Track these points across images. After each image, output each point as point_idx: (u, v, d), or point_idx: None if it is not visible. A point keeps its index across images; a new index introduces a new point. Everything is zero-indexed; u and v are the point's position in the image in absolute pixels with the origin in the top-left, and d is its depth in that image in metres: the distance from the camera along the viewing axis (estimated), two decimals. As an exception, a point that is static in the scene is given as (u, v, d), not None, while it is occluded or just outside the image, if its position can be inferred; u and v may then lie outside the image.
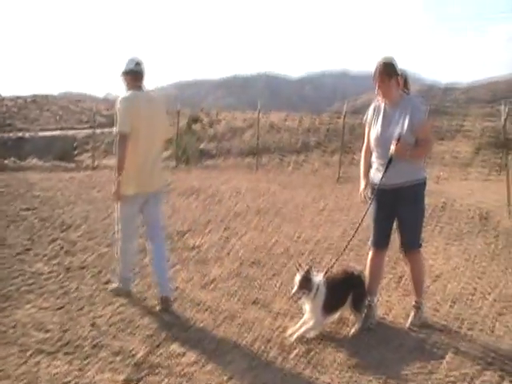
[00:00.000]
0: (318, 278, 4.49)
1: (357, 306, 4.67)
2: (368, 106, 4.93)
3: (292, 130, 34.01)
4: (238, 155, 24.48)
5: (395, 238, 4.85)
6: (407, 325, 4.82)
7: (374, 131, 4.72)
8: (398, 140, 4.44)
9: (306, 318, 4.50)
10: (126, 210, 5.04)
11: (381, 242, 4.88)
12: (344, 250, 5.01)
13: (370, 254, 4.98)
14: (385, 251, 4.97)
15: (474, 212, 9.92)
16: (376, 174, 4.73)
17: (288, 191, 12.40)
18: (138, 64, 5.02)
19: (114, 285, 5.48)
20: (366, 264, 5.01)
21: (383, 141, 4.61)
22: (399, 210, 4.68)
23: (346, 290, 4.63)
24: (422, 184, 4.65)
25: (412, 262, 4.86)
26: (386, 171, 4.56)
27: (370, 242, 4.96)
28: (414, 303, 4.93)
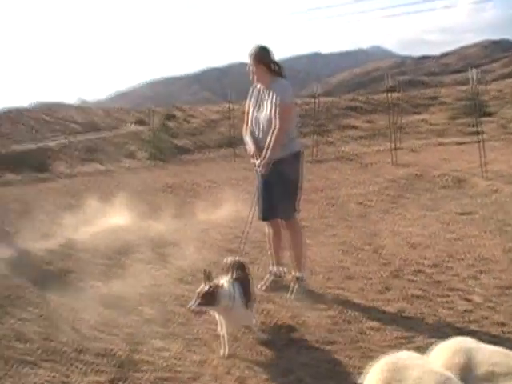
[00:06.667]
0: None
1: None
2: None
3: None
4: (214, 148, 24.36)
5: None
6: (288, 296, 4.91)
7: (250, 113, 4.99)
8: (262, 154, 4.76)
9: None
10: None
11: (264, 215, 5.04)
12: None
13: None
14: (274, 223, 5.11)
15: (449, 178, 10.01)
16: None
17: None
18: None
19: None
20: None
21: (256, 122, 4.90)
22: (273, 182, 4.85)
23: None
24: (290, 157, 4.85)
25: (289, 232, 5.02)
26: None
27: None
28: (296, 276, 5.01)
